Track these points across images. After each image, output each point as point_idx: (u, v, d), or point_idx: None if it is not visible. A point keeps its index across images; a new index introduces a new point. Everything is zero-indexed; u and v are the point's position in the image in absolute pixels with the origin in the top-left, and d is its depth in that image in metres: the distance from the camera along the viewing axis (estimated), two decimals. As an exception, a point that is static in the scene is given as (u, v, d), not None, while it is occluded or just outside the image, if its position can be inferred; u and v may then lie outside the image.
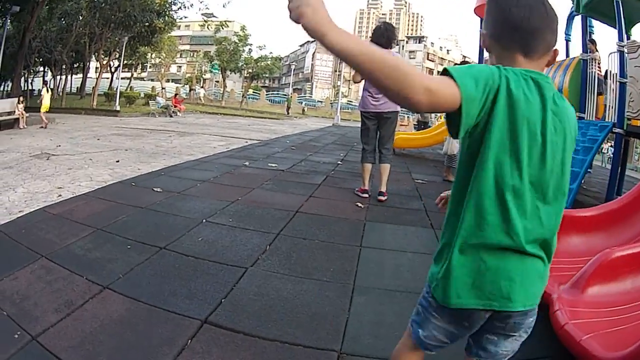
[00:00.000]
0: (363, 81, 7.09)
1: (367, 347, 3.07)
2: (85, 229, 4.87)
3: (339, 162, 11.16)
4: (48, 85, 26.26)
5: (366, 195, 7.36)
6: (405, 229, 5.96)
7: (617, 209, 5.35)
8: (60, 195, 6.53)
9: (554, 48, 1.70)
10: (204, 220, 5.44)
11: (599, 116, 11.38)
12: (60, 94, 41.23)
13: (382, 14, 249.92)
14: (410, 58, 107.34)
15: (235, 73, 59.83)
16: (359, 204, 6.91)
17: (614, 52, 9.77)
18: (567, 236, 5.01)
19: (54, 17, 36.87)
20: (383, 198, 7.35)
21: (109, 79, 52.63)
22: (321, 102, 69.57)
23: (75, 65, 48.38)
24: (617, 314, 3.69)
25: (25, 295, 3.31)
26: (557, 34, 1.73)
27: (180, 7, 40.25)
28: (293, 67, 66.03)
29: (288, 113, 49.54)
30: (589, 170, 12.86)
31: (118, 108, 31.46)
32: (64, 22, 37.72)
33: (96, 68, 45.19)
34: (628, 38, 10.18)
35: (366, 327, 3.31)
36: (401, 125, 19.92)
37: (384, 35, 7.13)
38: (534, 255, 1.60)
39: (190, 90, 62.60)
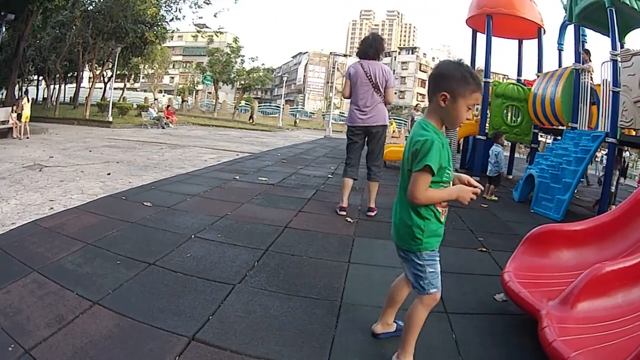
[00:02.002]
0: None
1: None
2: (76, 243, 4.90)
3: (330, 176, 11.23)
4: (28, 95, 26.14)
5: (344, 213, 7.31)
6: (394, 244, 5.91)
7: (608, 222, 5.29)
8: (52, 208, 6.57)
9: None
10: (193, 236, 5.46)
11: (592, 126, 11.45)
12: (54, 103, 41.11)
13: (375, 25, 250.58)
14: (403, 69, 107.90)
15: (227, 84, 59.77)
16: (349, 219, 6.96)
17: (607, 61, 9.89)
18: (557, 250, 4.99)
19: (48, 26, 36.92)
20: (372, 214, 7.38)
21: (102, 89, 52.53)
22: (313, 113, 69.67)
23: (68, 75, 48.27)
24: (608, 329, 3.67)
25: (18, 309, 3.35)
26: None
27: (172, 19, 40.29)
28: (285, 78, 65.99)
29: (251, 121, 49.66)
30: (581, 180, 13.01)
31: (110, 119, 31.35)
32: (58, 31, 37.71)
33: (89, 78, 45.10)
34: (622, 47, 10.31)
35: (353, 345, 3.34)
36: (393, 137, 19.89)
37: (372, 46, 7.19)
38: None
39: (182, 102, 62.59)
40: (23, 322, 3.18)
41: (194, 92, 75.44)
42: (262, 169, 11.56)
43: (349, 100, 7.43)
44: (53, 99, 44.72)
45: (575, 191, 13.62)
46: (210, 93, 70.29)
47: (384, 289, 4.28)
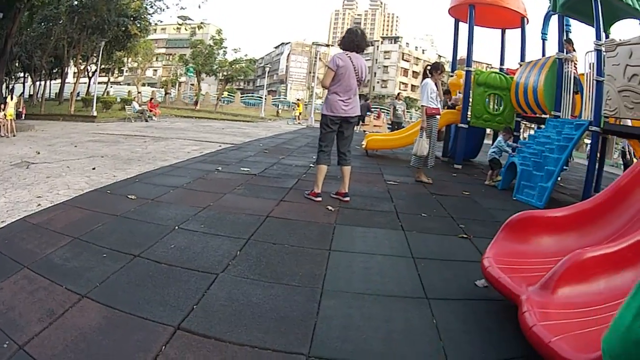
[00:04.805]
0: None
1: (335, 350, 3.20)
2: (64, 238, 5.00)
3: (311, 165, 11.27)
4: (13, 94, 26.08)
5: (320, 199, 7.43)
6: (375, 231, 6.09)
7: (591, 209, 5.27)
8: (39, 205, 6.63)
9: None
10: (177, 227, 5.54)
11: (576, 114, 11.60)
12: (40, 100, 40.95)
13: (358, 15, 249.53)
14: (385, 58, 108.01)
15: (210, 76, 59.70)
16: (330, 207, 7.04)
17: (592, 51, 10.03)
18: (538, 236, 4.98)
19: (33, 23, 36.69)
20: (348, 199, 7.54)
21: (87, 84, 52.23)
22: (295, 103, 69.70)
23: (53, 71, 47.95)
24: (590, 314, 3.64)
25: (11, 306, 3.45)
26: None
27: (155, 11, 40.18)
28: (268, 69, 65.90)
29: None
30: (565, 167, 13.01)
31: (95, 114, 31.45)
32: (43, 26, 37.52)
33: (74, 73, 44.86)
34: (607, 37, 10.48)
35: (334, 331, 3.43)
36: (375, 125, 19.97)
37: (363, 41, 7.44)
38: None
39: (165, 94, 62.31)
40: (16, 318, 3.28)
41: (177, 84, 75.08)
42: (244, 160, 11.64)
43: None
44: (39, 95, 44.39)
45: (559, 179, 13.64)
46: (192, 85, 69.99)
47: (365, 276, 4.56)
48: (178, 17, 45.96)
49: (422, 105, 10.15)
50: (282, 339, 3.26)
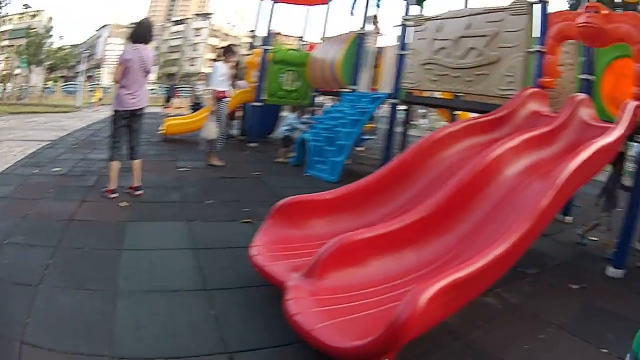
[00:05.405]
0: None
1: (132, 350, 3.54)
2: None
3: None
4: None
5: (115, 195, 7.59)
6: (161, 226, 6.55)
7: (364, 189, 5.58)
8: None
9: None
10: (5, 242, 5.49)
11: (376, 88, 12.40)
12: None
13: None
14: (196, 36, 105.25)
15: (38, 66, 56.20)
16: (123, 204, 7.31)
17: (399, 26, 10.80)
18: (309, 221, 5.17)
19: None
20: (141, 192, 7.87)
21: None
22: (109, 88, 67.04)
23: None
24: (361, 299, 3.81)
25: None
26: None
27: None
28: (88, 53, 63.20)
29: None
30: (372, 137, 14.62)
31: None
32: None
33: None
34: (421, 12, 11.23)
35: (128, 332, 3.77)
36: (177, 108, 19.82)
37: (149, 33, 7.77)
38: None
39: (4, 90, 57.97)
40: None
41: (14, 77, 69.88)
42: (57, 159, 11.18)
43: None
44: None
45: (363, 149, 14.89)
46: (25, 77, 65.66)
47: (151, 272, 4.94)
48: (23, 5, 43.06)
49: (212, 90, 10.55)
50: (91, 344, 3.57)
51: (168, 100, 21.09)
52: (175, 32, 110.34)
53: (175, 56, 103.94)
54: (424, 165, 5.92)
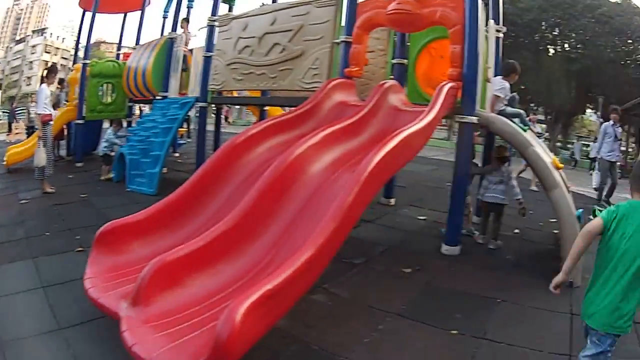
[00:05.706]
0: None
1: None
2: None
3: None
4: None
5: None
6: (9, 267, 5.83)
7: (177, 201, 5.33)
8: None
9: None
10: None
11: (185, 92, 12.02)
12: None
13: (20, 10, 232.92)
14: (32, 53, 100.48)
15: None
16: None
17: (205, 27, 10.35)
18: (129, 245, 4.89)
19: None
20: None
21: None
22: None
23: None
24: (188, 319, 3.70)
25: None
26: None
27: None
28: None
29: None
30: (187, 140, 14.48)
31: None
32: None
33: None
34: (230, 11, 11.19)
35: None
36: (17, 133, 18.37)
37: None
38: None
39: None
40: None
41: None
42: None
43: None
44: None
45: (179, 154, 14.50)
46: None
47: (1, 322, 4.38)
48: None
49: (37, 113, 9.83)
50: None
51: (9, 126, 19.68)
52: (16, 52, 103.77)
53: (15, 77, 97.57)
54: (230, 170, 5.70)
